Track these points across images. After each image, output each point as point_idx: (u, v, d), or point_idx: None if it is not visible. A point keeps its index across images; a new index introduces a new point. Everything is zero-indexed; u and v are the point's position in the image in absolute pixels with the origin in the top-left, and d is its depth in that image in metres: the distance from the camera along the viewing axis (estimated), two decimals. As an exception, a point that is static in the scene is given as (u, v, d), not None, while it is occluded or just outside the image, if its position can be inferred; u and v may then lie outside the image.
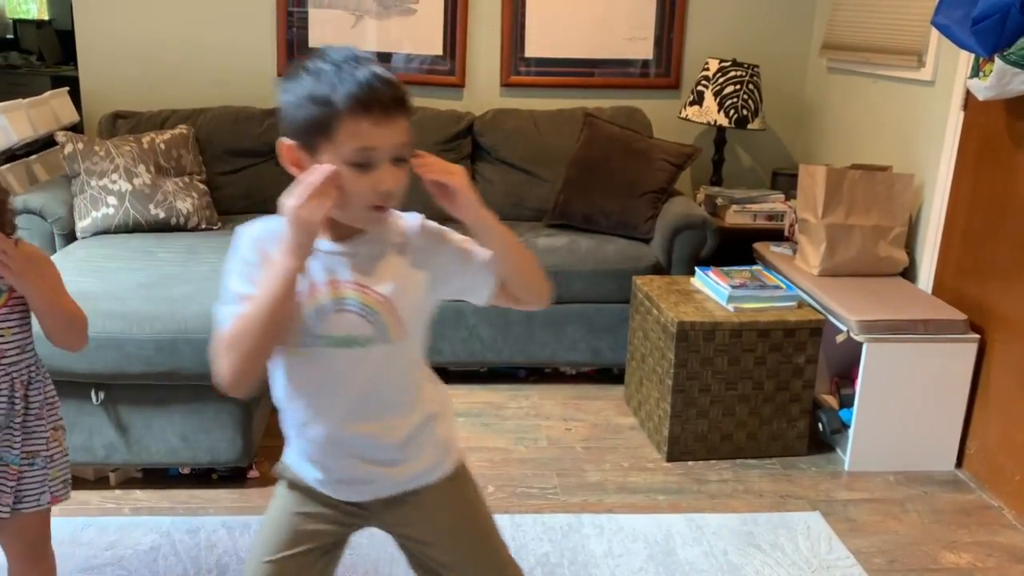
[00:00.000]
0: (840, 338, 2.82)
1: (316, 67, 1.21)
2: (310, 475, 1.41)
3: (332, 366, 1.31)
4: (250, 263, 1.28)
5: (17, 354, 1.65)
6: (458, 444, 1.49)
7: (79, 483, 2.60)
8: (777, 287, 2.93)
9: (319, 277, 1.28)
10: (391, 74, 1.23)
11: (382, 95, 1.19)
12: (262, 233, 1.30)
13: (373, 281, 1.29)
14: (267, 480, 2.64)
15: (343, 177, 1.21)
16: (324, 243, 1.29)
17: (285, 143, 1.26)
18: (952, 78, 2.99)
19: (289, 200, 1.19)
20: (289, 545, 1.41)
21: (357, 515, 1.44)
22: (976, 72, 2.66)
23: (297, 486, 1.44)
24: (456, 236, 1.38)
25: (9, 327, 1.63)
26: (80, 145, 3.28)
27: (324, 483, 1.40)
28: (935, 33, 2.97)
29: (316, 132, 1.21)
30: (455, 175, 1.26)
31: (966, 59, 2.83)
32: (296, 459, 1.42)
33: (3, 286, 1.61)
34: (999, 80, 2.51)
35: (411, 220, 1.36)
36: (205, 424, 2.53)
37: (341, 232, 1.29)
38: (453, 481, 1.46)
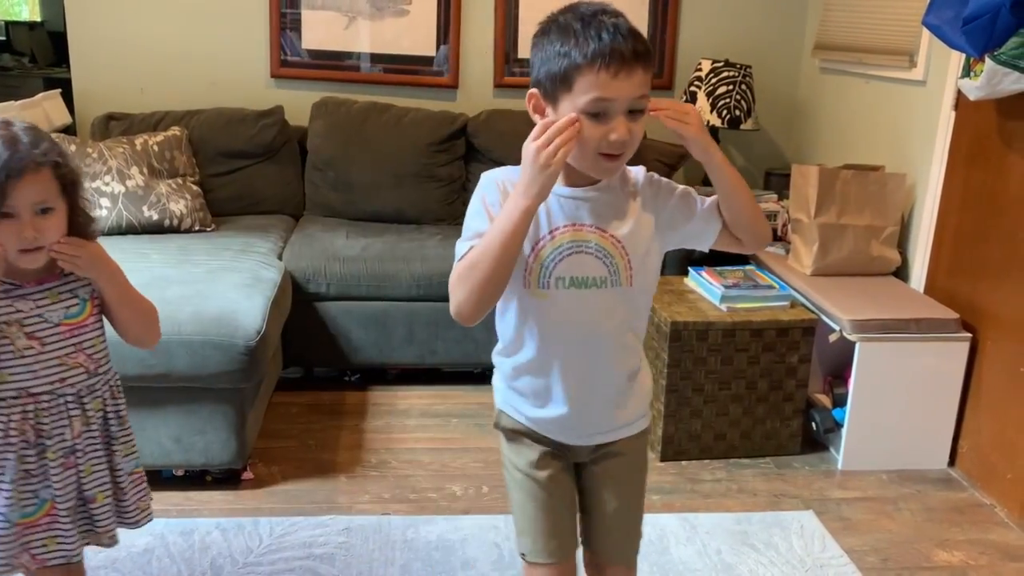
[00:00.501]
0: (833, 337, 2.83)
1: (564, 21, 1.30)
2: (528, 414, 1.50)
3: (566, 306, 1.39)
4: (490, 202, 1.37)
5: (107, 363, 1.62)
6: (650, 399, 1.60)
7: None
8: (770, 287, 2.94)
9: (560, 220, 1.38)
10: (632, 27, 1.29)
11: (620, 49, 1.25)
12: (505, 175, 1.39)
13: (610, 225, 1.39)
14: (261, 482, 2.64)
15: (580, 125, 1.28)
16: (563, 189, 1.38)
17: (532, 92, 1.36)
18: (943, 78, 3.00)
19: (533, 141, 1.28)
20: (538, 497, 1.52)
21: (565, 453, 1.53)
22: (967, 72, 2.68)
23: (514, 433, 1.53)
24: (679, 186, 1.47)
25: (99, 336, 1.58)
26: (73, 147, 3.27)
27: (540, 423, 1.49)
28: (926, 33, 2.98)
29: (558, 83, 1.29)
30: (687, 123, 1.33)
31: (957, 59, 2.85)
32: (515, 400, 1.51)
33: (84, 295, 1.54)
34: (989, 80, 2.52)
35: (638, 172, 1.45)
36: (199, 426, 2.52)
37: (577, 179, 1.38)
38: (643, 438, 1.58)
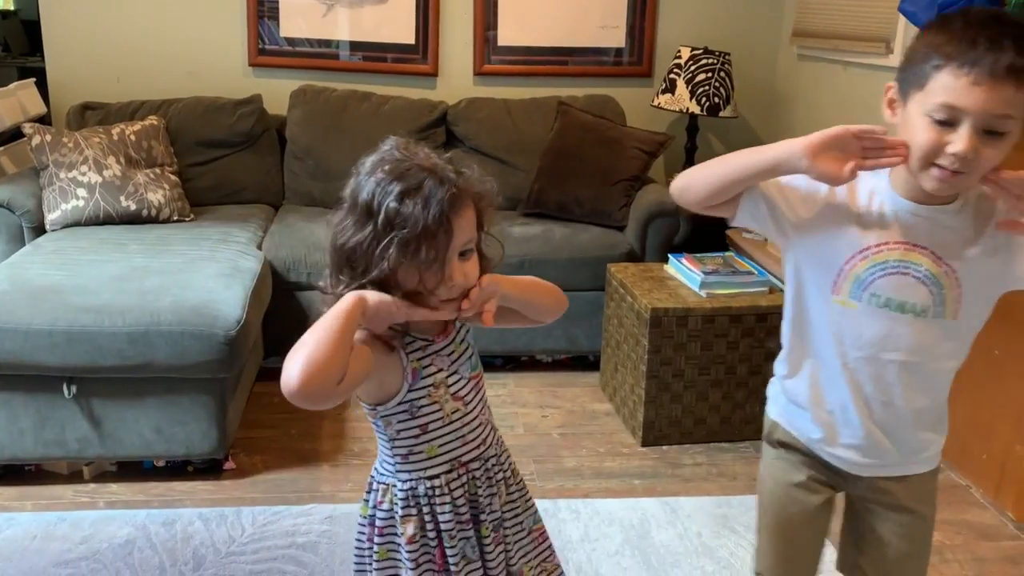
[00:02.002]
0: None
1: (950, 22, 1.19)
2: (809, 434, 1.43)
3: (875, 327, 1.30)
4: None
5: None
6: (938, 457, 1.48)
7: (52, 477, 2.58)
8: (749, 273, 2.96)
9: (893, 235, 1.27)
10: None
11: (991, 57, 1.12)
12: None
13: (944, 250, 1.27)
14: (243, 472, 2.64)
15: (918, 127, 1.19)
16: (904, 201, 1.27)
17: (890, 84, 1.28)
18: (919, 64, 3.02)
19: (854, 135, 1.24)
20: (792, 520, 1.47)
21: (837, 481, 1.46)
22: (942, 58, 2.70)
23: (787, 446, 1.47)
24: None
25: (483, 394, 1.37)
26: (48, 137, 3.24)
27: (822, 443, 1.42)
28: (903, 19, 3.00)
29: (917, 76, 1.19)
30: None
31: (933, 46, 2.86)
32: (796, 416, 1.45)
33: (471, 340, 1.33)
34: (964, 66, 2.54)
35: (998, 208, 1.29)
36: (180, 416, 2.52)
37: (924, 196, 1.25)
38: (930, 480, 1.46)
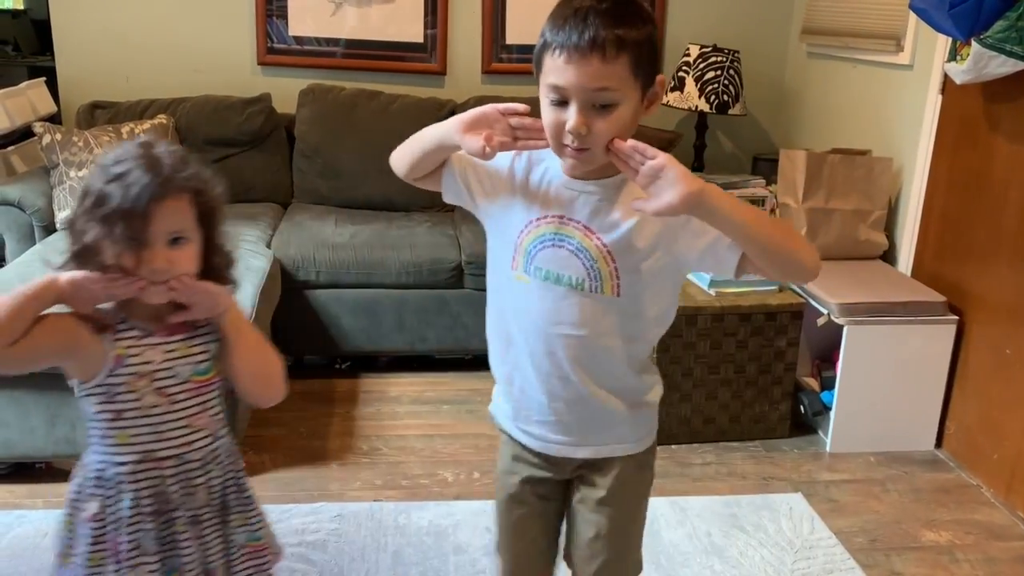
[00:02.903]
0: (821, 321, 2.84)
1: (563, 7, 1.21)
2: (506, 413, 1.46)
3: (543, 301, 1.32)
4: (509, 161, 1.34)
5: (225, 428, 1.44)
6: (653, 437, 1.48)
7: (63, 475, 2.59)
8: (758, 271, 2.95)
9: (551, 208, 1.30)
10: (614, 18, 1.17)
11: (579, 38, 1.16)
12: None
13: (600, 226, 1.28)
14: (252, 470, 2.64)
15: (544, 110, 1.23)
16: (565, 178, 1.30)
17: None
18: (930, 62, 3.01)
19: (500, 112, 1.28)
20: (516, 507, 1.48)
21: (552, 471, 1.46)
22: (953, 56, 2.68)
23: (506, 438, 1.48)
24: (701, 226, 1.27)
25: (220, 397, 1.41)
26: (58, 136, 3.25)
27: (517, 420, 1.44)
28: (913, 17, 2.99)
29: (536, 64, 1.25)
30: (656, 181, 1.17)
31: (944, 43, 2.85)
32: (500, 397, 1.47)
33: (215, 351, 1.36)
34: (976, 64, 2.53)
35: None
36: (189, 414, 2.52)
37: (598, 171, 1.28)
38: (636, 461, 1.45)
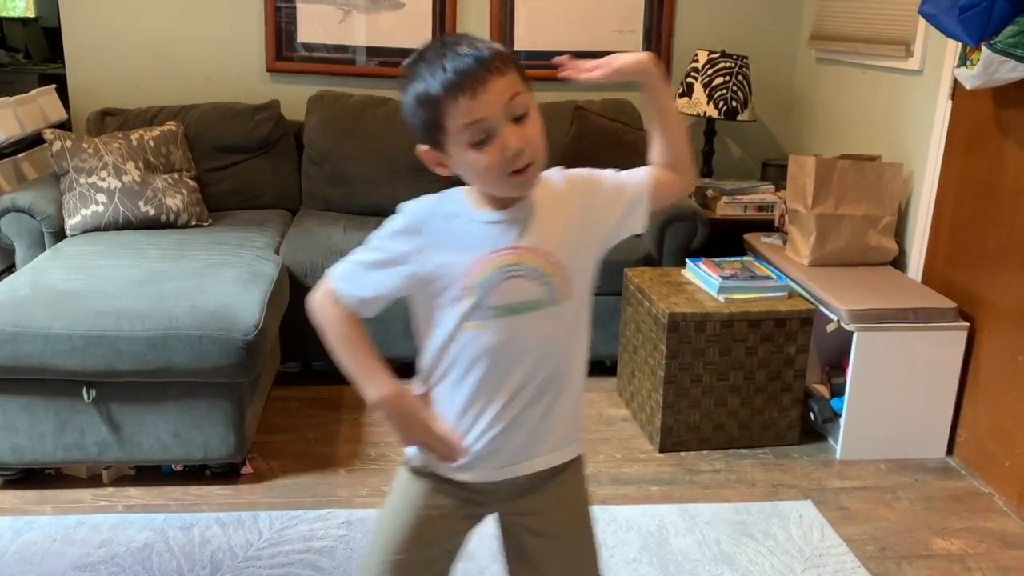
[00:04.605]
0: (831, 327, 2.83)
1: (414, 70, 1.23)
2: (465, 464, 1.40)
3: (505, 335, 1.29)
4: (394, 232, 1.30)
5: None
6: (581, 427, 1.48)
7: (72, 481, 2.60)
8: (768, 277, 2.94)
9: (483, 248, 1.28)
10: (478, 43, 1.21)
11: (466, 67, 1.18)
12: (427, 210, 1.31)
13: (538, 242, 1.29)
14: (260, 476, 2.65)
15: (472, 158, 1.21)
16: (484, 214, 1.29)
17: (422, 149, 1.29)
18: (940, 67, 3.00)
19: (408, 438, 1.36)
20: (415, 542, 1.42)
21: (483, 503, 1.42)
22: (963, 61, 2.67)
23: (423, 474, 1.41)
24: (602, 173, 1.37)
25: None
26: (68, 143, 3.27)
27: (468, 466, 1.36)
28: (923, 22, 2.97)
29: (434, 130, 1.23)
30: (614, 63, 1.33)
31: (953, 48, 2.84)
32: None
33: None
34: (986, 69, 2.52)
35: (554, 174, 1.35)
36: (198, 420, 2.52)
37: (500, 203, 1.29)
38: (578, 466, 1.46)
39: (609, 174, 1.38)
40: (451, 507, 1.41)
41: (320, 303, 1.35)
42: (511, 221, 1.28)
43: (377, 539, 1.47)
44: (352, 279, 1.33)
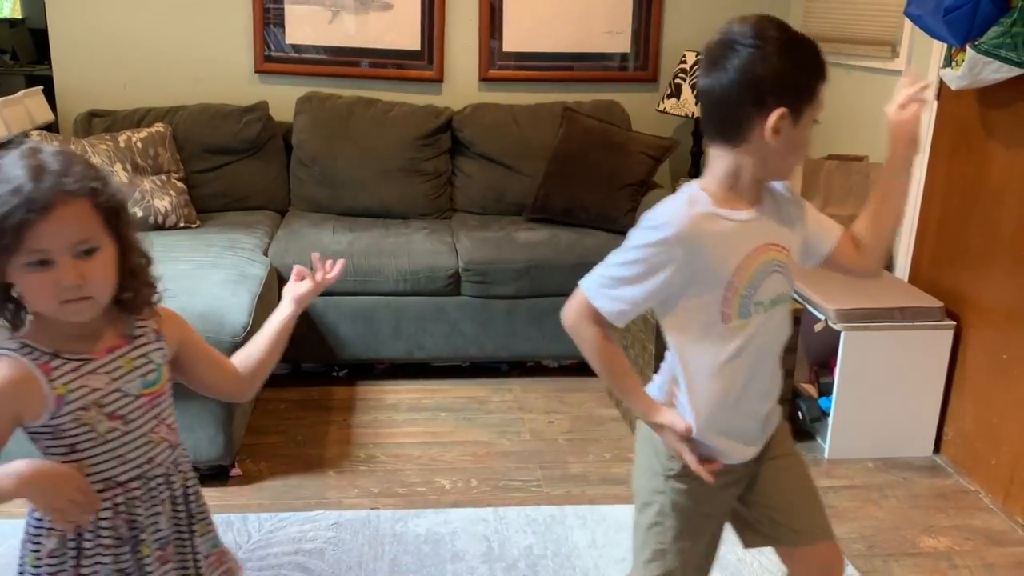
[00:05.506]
0: (818, 327, 2.84)
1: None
2: (720, 449, 1.45)
3: (765, 329, 1.39)
4: (653, 242, 1.32)
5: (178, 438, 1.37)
6: None
7: (60, 484, 2.58)
8: (756, 277, 2.95)
9: (747, 246, 1.35)
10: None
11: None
12: (682, 215, 1.33)
13: (782, 239, 1.40)
14: (249, 478, 2.64)
15: (805, 135, 1.42)
16: (738, 213, 1.35)
17: (783, 111, 1.44)
18: (925, 68, 3.02)
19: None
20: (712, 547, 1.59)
21: (742, 480, 1.53)
22: (949, 62, 2.69)
23: (689, 475, 1.45)
24: (808, 203, 1.51)
25: (172, 402, 1.34)
26: (55, 144, 3.25)
27: (731, 454, 1.46)
28: (908, 24, 2.99)
29: (804, 97, 1.46)
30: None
31: (939, 49, 2.86)
32: (706, 437, 1.45)
33: (159, 358, 1.31)
34: (971, 69, 2.54)
35: (780, 185, 1.44)
36: (187, 423, 2.50)
37: (748, 201, 1.37)
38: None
39: (812, 207, 1.51)
40: (724, 484, 1.50)
41: (578, 320, 1.40)
42: (760, 219, 1.38)
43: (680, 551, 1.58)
44: (611, 294, 1.36)
